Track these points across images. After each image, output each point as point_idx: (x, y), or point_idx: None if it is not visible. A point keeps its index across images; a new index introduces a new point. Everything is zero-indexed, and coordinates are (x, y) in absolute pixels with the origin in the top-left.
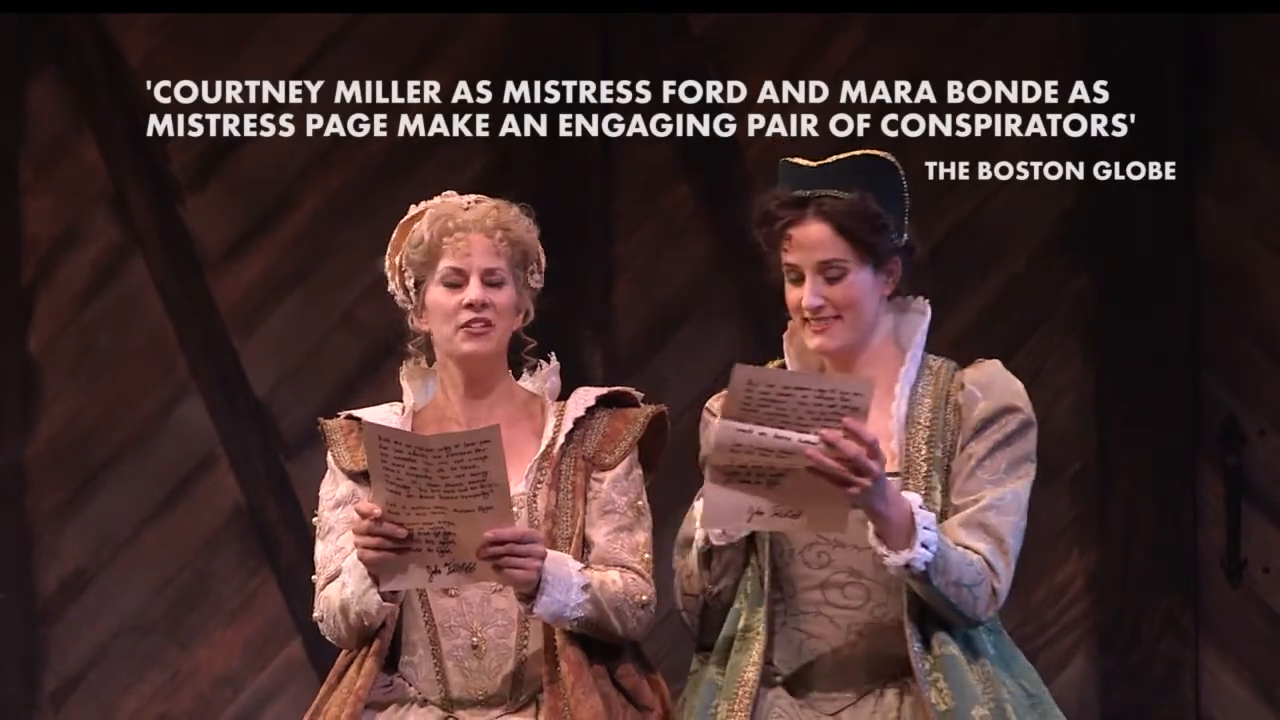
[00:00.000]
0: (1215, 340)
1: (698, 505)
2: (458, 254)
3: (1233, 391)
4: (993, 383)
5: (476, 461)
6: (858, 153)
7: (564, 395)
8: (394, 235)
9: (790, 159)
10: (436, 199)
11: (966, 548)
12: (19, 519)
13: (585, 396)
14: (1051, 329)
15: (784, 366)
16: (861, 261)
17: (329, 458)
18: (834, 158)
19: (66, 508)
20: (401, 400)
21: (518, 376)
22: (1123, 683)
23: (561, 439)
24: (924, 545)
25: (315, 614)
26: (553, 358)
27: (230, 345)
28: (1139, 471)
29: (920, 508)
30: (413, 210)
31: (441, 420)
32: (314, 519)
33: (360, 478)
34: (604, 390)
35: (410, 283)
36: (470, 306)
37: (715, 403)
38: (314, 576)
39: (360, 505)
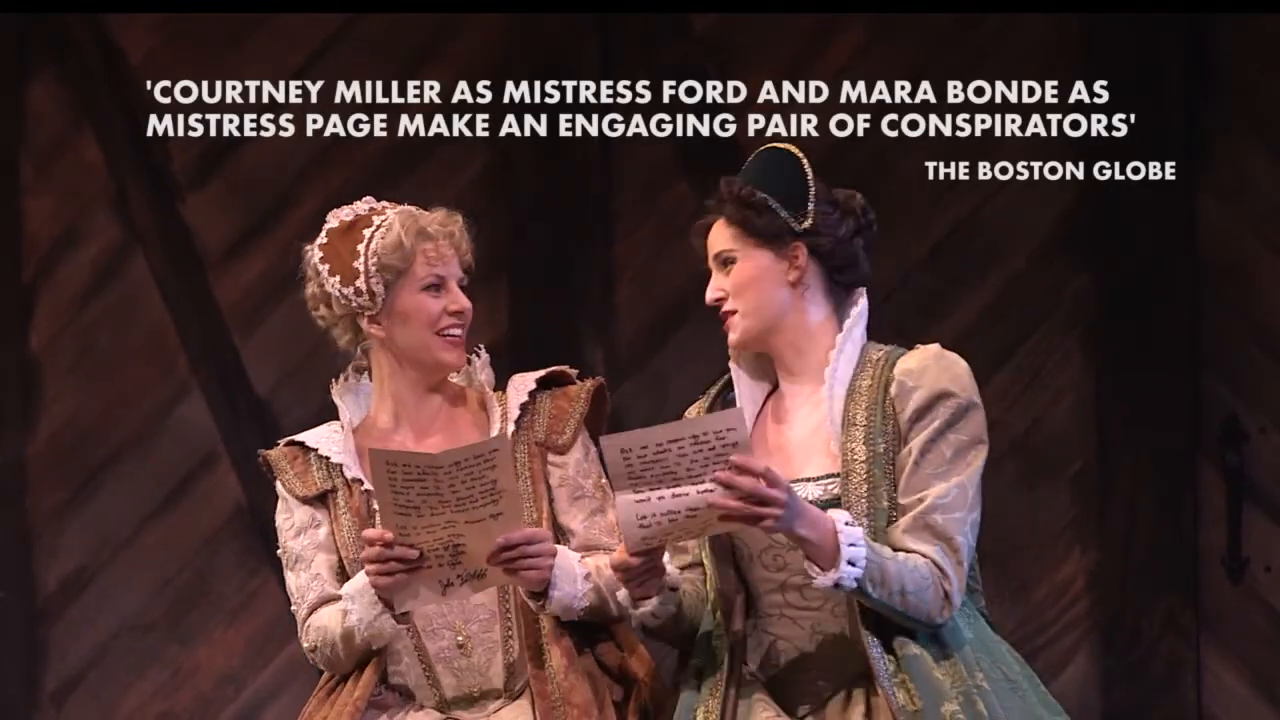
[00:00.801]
0: (1215, 339)
1: (621, 594)
2: (437, 260)
3: (1233, 390)
4: (925, 370)
5: (486, 471)
6: (764, 147)
7: (498, 385)
8: (332, 239)
9: None
10: (361, 204)
11: (913, 552)
12: (19, 518)
13: (524, 382)
14: (1052, 329)
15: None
16: (752, 246)
17: (279, 488)
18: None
19: (67, 507)
20: (337, 418)
21: None
22: (1124, 682)
23: (511, 427)
24: (850, 563)
25: (306, 645)
26: (482, 350)
27: (231, 344)
28: (1140, 471)
29: (846, 524)
30: (344, 215)
31: (386, 433)
32: (278, 551)
33: (315, 502)
34: (541, 373)
35: (379, 286)
36: (458, 313)
37: (693, 410)
38: (292, 607)
39: (368, 532)
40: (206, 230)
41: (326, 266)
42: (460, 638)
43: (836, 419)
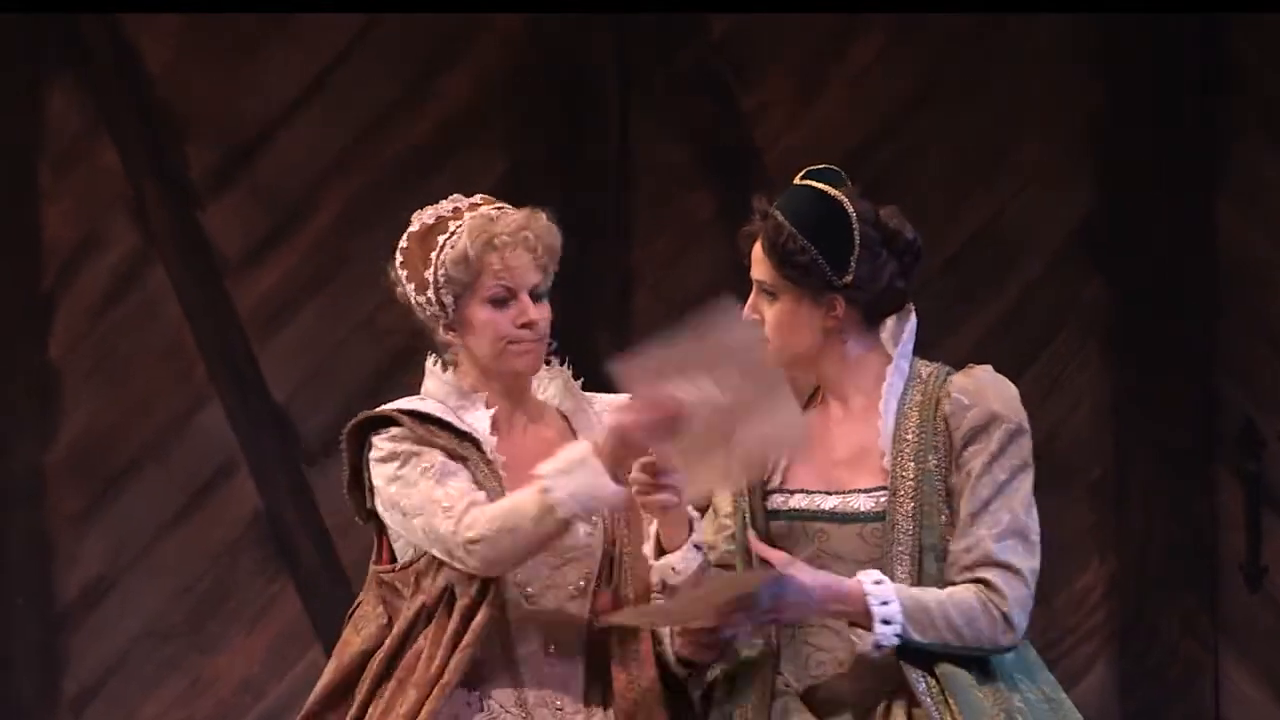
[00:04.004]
0: (1233, 345)
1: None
2: (504, 272)
3: (1250, 396)
4: (981, 390)
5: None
6: (815, 184)
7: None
8: (410, 244)
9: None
10: (446, 204)
11: (968, 582)
12: (39, 525)
13: (604, 406)
14: (1069, 335)
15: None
16: (789, 289)
17: (406, 443)
18: (805, 180)
19: (86, 514)
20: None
21: None
22: (1142, 687)
23: None
24: (885, 621)
25: (471, 534)
26: (555, 361)
27: (249, 351)
28: (1157, 477)
29: (875, 583)
30: (425, 218)
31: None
32: (393, 481)
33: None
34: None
35: (449, 298)
36: (527, 326)
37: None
38: (445, 506)
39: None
40: (224, 237)
41: (404, 272)
42: (552, 645)
43: (888, 435)
